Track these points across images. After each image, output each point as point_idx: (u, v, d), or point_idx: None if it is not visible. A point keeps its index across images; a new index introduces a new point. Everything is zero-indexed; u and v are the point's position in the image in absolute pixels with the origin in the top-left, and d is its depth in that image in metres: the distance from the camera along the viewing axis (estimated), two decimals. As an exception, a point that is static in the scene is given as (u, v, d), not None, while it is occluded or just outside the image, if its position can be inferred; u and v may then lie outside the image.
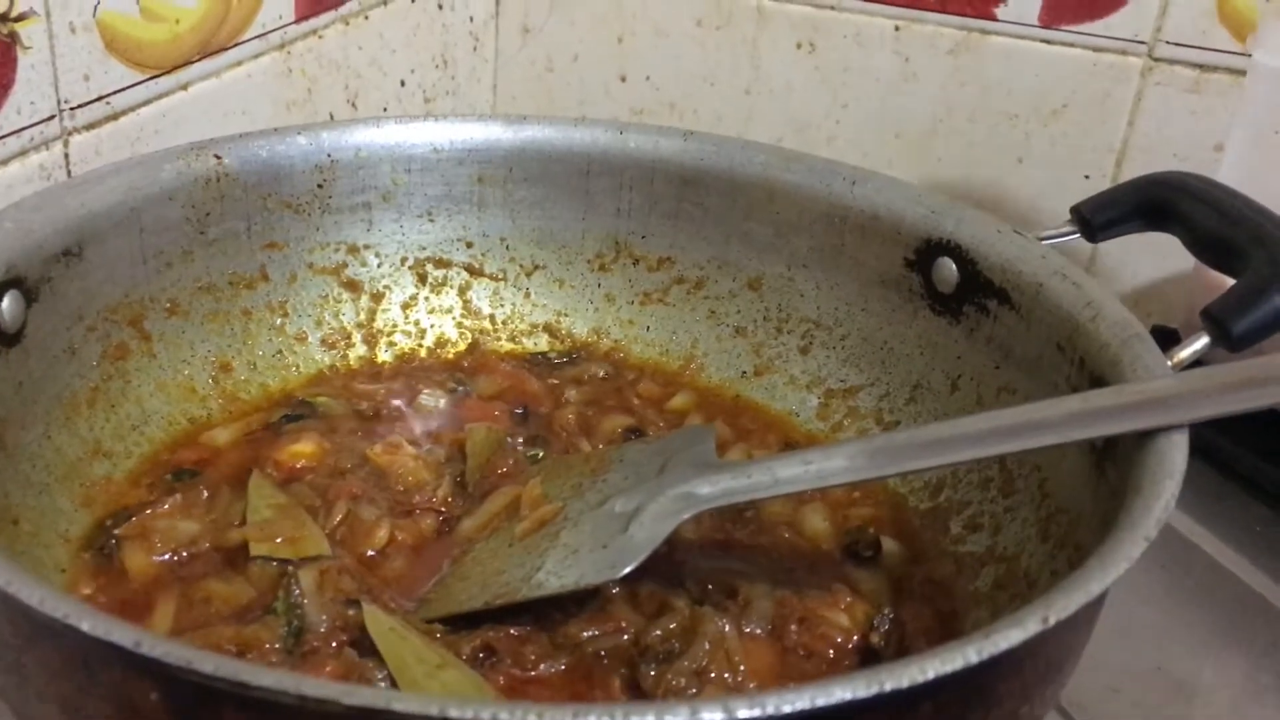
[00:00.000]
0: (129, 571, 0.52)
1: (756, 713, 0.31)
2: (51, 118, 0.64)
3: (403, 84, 0.95)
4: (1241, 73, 0.80)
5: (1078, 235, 0.60)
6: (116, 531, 0.54)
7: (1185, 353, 0.51)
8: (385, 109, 0.92)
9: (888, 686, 0.32)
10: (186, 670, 0.31)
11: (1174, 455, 0.44)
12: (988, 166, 0.89)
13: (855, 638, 0.52)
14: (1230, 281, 0.54)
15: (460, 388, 0.67)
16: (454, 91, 1.01)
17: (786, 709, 0.31)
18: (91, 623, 0.32)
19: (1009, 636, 0.34)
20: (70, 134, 0.66)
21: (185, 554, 0.53)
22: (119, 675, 0.33)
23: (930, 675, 0.33)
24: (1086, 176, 0.87)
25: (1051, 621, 0.35)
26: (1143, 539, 0.39)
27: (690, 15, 0.93)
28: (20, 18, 0.61)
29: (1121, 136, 0.86)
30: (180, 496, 0.56)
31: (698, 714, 0.31)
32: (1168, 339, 0.55)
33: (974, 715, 0.37)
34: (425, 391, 0.65)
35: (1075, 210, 0.61)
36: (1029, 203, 0.89)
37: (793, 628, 0.52)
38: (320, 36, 0.84)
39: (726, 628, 0.50)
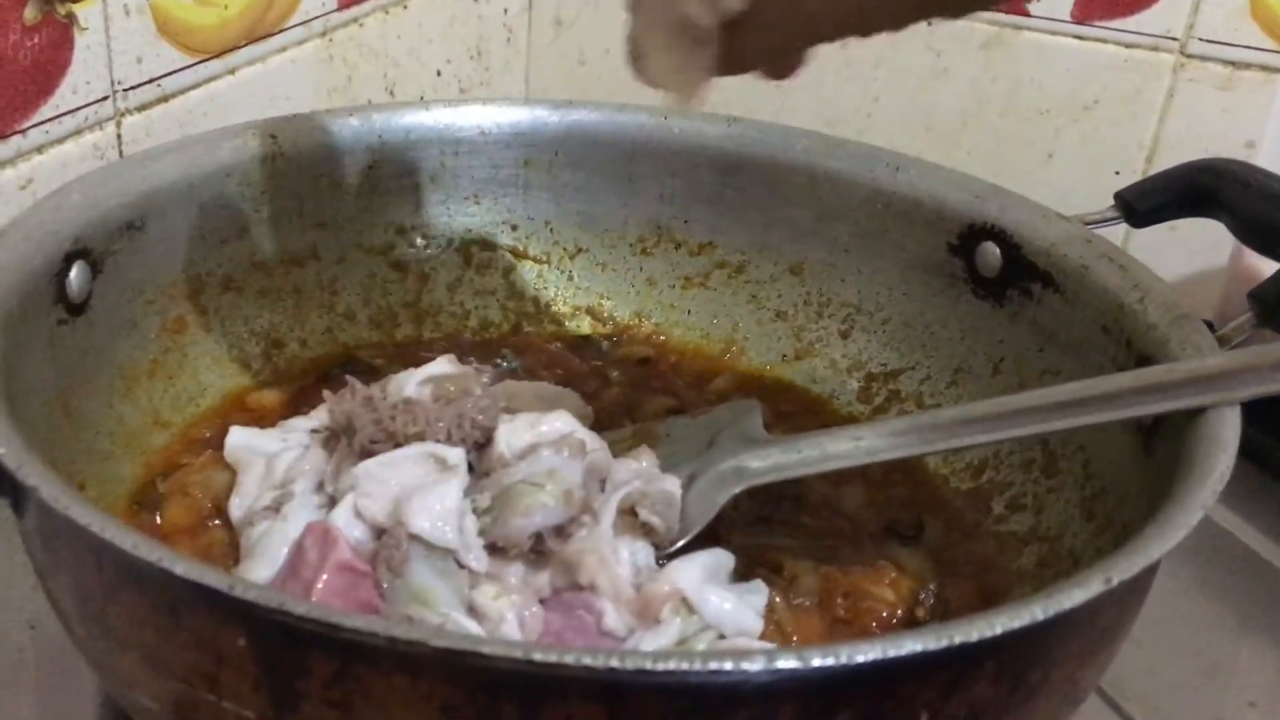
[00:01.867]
0: (166, 524, 0.53)
1: (830, 661, 0.32)
2: (105, 98, 0.65)
3: (439, 74, 0.96)
4: (1274, 70, 0.80)
5: (1121, 221, 0.61)
6: (160, 489, 0.55)
7: (1231, 334, 0.51)
8: (421, 97, 0.93)
9: (957, 640, 0.33)
10: (278, 612, 0.32)
11: (1226, 430, 0.44)
12: (1018, 161, 0.89)
13: (900, 612, 0.53)
14: (1271, 268, 0.55)
15: (505, 364, 0.68)
16: (487, 83, 1.02)
17: (860, 659, 0.32)
18: (185, 566, 0.33)
19: (1072, 595, 0.35)
20: (123, 115, 0.67)
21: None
22: (207, 620, 0.34)
23: (998, 630, 0.33)
24: (1117, 172, 0.87)
25: (1114, 582, 0.36)
26: (1199, 507, 0.39)
27: (724, 8, 0.93)
28: (78, -1, 0.62)
29: (1152, 133, 0.86)
30: (212, 452, 0.56)
31: (774, 662, 0.32)
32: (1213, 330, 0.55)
33: (1033, 675, 0.37)
34: (475, 365, 0.66)
35: (1119, 196, 0.61)
36: (1059, 198, 0.88)
37: (839, 600, 0.53)
38: (361, 25, 0.85)
39: (776, 598, 0.51)
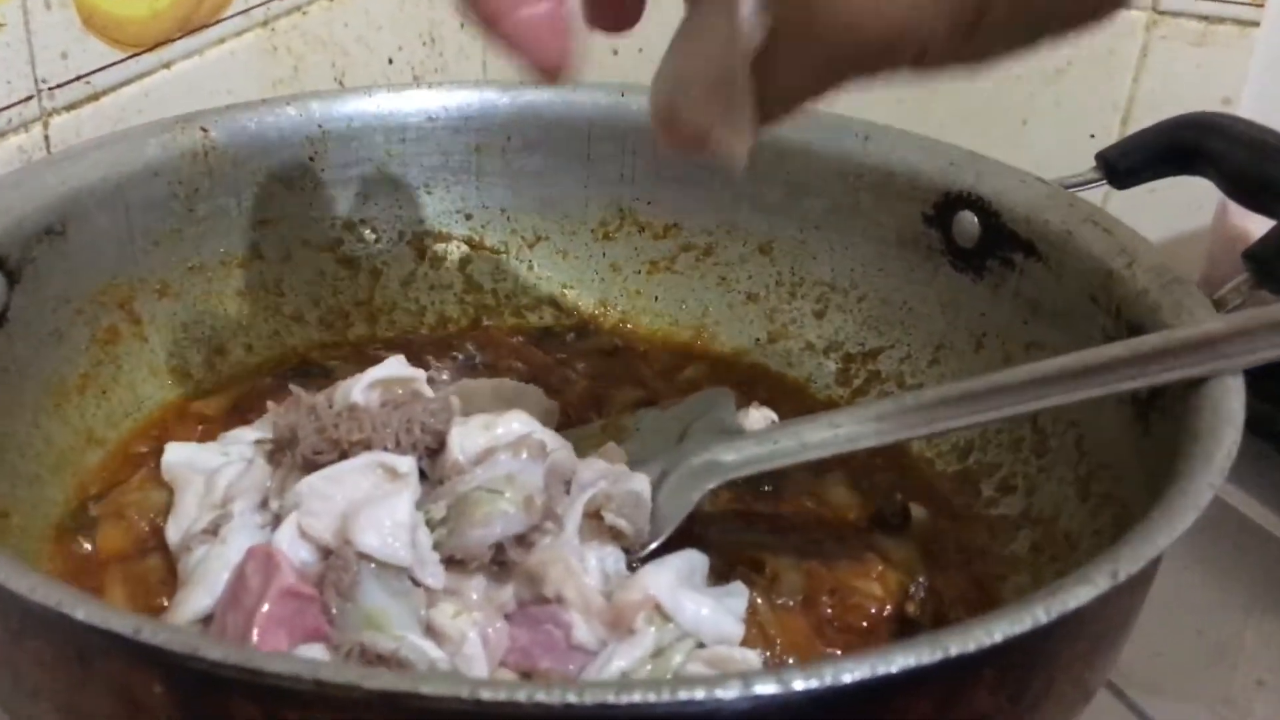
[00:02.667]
0: (102, 550, 0.50)
1: (814, 684, 0.29)
2: (29, 98, 0.62)
3: (390, 62, 0.93)
4: (1248, 23, 0.78)
5: (1103, 183, 0.58)
6: (93, 512, 0.52)
7: (1225, 297, 0.48)
8: (374, 86, 0.90)
9: (954, 651, 0.30)
10: (193, 658, 0.28)
11: (1230, 400, 0.41)
12: (992, 128, 0.87)
13: (889, 607, 0.50)
14: (1261, 226, 0.52)
15: (466, 361, 0.65)
16: (442, 69, 0.99)
17: (846, 679, 0.29)
18: (86, 610, 0.29)
19: (1078, 594, 0.32)
20: (50, 115, 0.63)
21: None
22: (118, 667, 0.31)
23: (998, 638, 0.30)
24: (1093, 135, 0.85)
25: (1122, 577, 0.32)
26: (1208, 487, 0.36)
27: (684, -19, 0.90)
28: (-8, -8, 0.58)
29: (1127, 93, 0.84)
30: (149, 468, 0.53)
31: (751, 687, 0.28)
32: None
33: (1037, 681, 0.34)
34: (434, 364, 0.63)
35: (1101, 156, 0.58)
36: (1035, 165, 0.86)
37: (824, 599, 0.50)
38: (304, 13, 0.82)
39: (758, 599, 0.48)
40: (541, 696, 0.27)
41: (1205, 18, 0.79)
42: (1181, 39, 0.81)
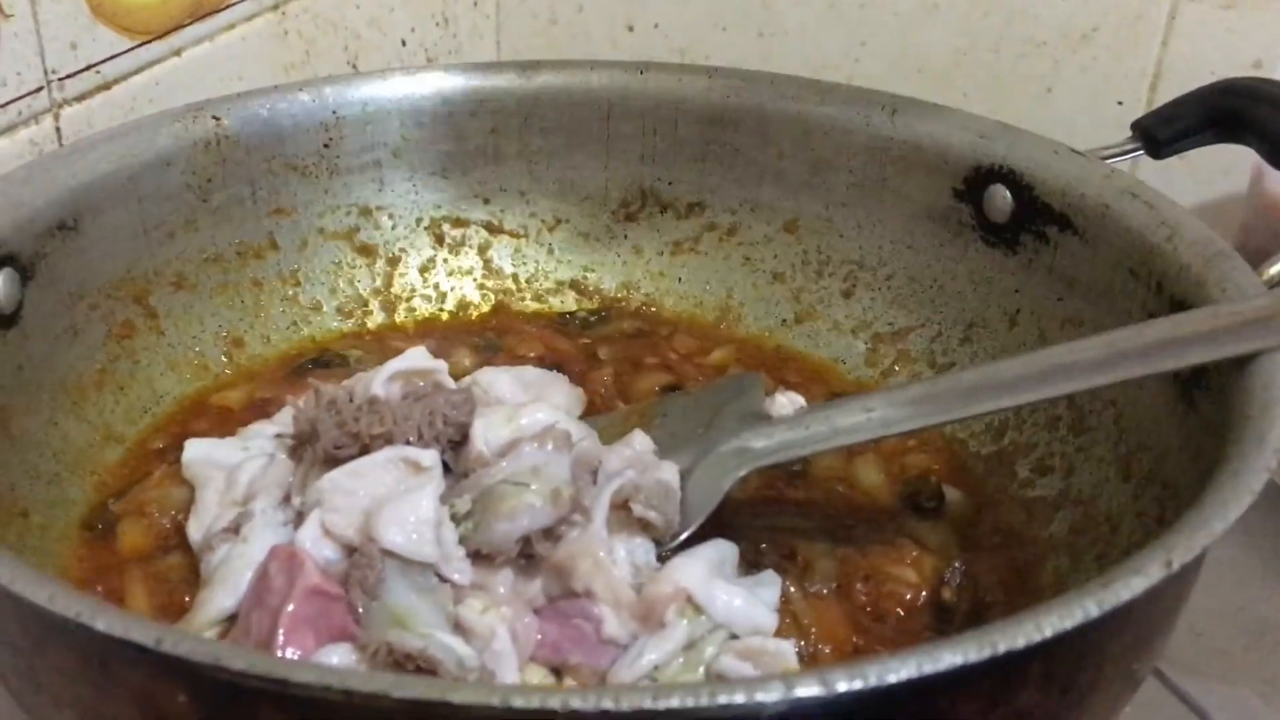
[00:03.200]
0: (123, 549, 0.49)
1: (858, 685, 0.28)
2: (40, 89, 0.61)
3: (404, 44, 0.92)
4: (1281, -17, 0.76)
5: (1141, 152, 0.57)
6: (114, 509, 0.51)
7: (1276, 269, 0.47)
8: (387, 70, 0.89)
9: (1001, 648, 0.29)
10: (214, 668, 0.27)
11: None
12: (1016, 98, 0.85)
13: (925, 593, 0.49)
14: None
15: (489, 348, 0.64)
16: (456, 50, 0.98)
17: (891, 679, 0.28)
18: (106, 620, 0.28)
19: (1131, 585, 0.31)
20: (60, 106, 0.63)
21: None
22: (141, 676, 0.30)
23: (1048, 633, 0.29)
24: (1120, 103, 0.83)
25: (1176, 566, 0.31)
26: (1264, 470, 0.35)
27: (699, -45, 0.89)
28: (-1, -18, 0.58)
29: (1155, 59, 0.82)
30: (169, 464, 0.53)
31: (793, 690, 0.27)
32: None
33: (1085, 675, 0.33)
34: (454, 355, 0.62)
35: (1138, 125, 0.57)
36: (1062, 134, 0.85)
37: (858, 586, 0.49)
38: (315, -5, 0.81)
39: (790, 588, 0.47)
40: (576, 703, 0.26)
41: (1235, -20, 0.78)
42: (1210, 2, 0.79)
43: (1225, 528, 0.33)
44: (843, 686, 0.28)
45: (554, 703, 0.26)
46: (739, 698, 0.27)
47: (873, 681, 0.28)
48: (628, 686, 0.35)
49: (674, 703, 0.27)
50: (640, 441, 0.50)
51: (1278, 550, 0.61)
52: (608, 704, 0.27)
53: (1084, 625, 0.30)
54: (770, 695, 0.27)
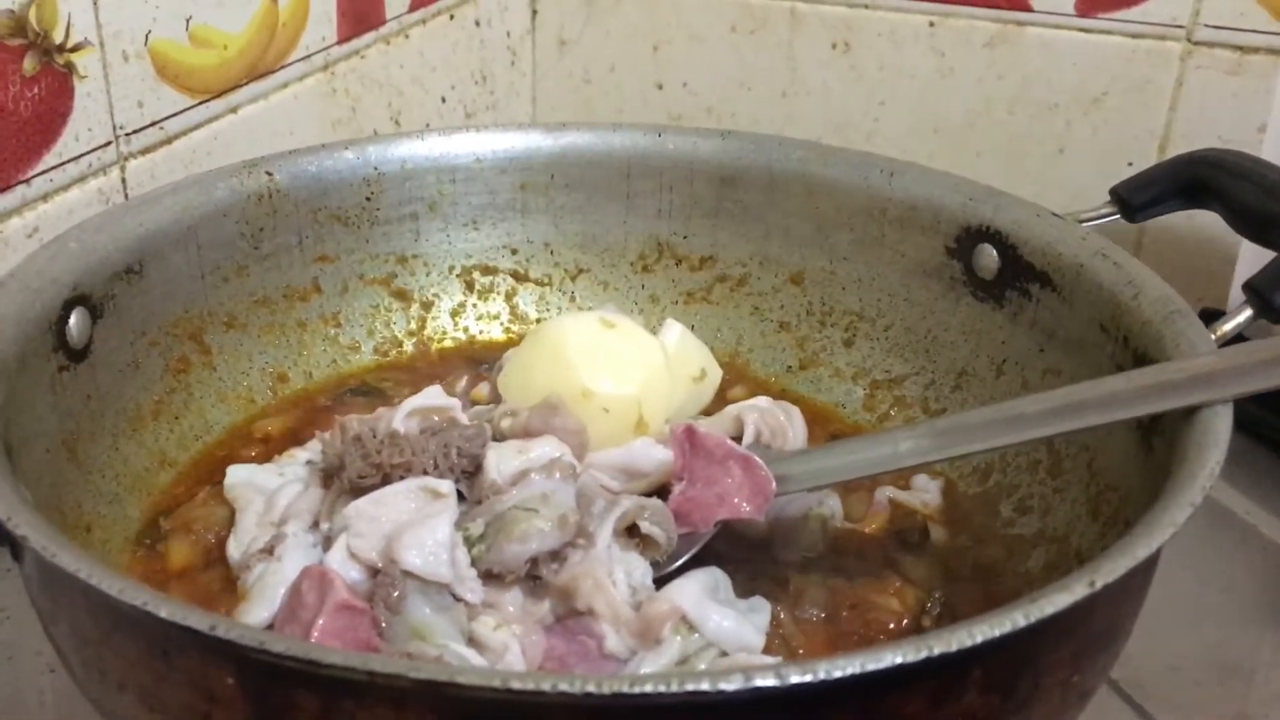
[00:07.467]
0: (171, 563, 0.54)
1: (809, 678, 0.32)
2: (108, 144, 0.66)
3: (444, 100, 0.96)
4: (1282, 53, 0.79)
5: (1118, 216, 0.61)
6: (164, 526, 0.56)
7: (1228, 326, 0.51)
8: (427, 125, 0.94)
9: (936, 651, 0.33)
10: (259, 651, 0.32)
11: (1218, 426, 0.44)
12: (1029, 158, 0.88)
13: (906, 621, 0.52)
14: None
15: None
16: (494, 106, 1.02)
17: (838, 674, 0.32)
18: (169, 609, 0.33)
19: (1055, 601, 0.35)
20: (127, 159, 0.67)
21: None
22: (195, 661, 0.35)
23: (979, 639, 0.33)
24: (1130, 163, 0.86)
25: (1098, 585, 0.35)
26: (1189, 505, 0.39)
27: (724, 21, 0.93)
28: (76, 48, 0.63)
29: (1164, 122, 0.85)
30: (214, 485, 0.57)
31: (751, 680, 0.32)
32: (1215, 320, 0.55)
33: (1023, 683, 0.37)
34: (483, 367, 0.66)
35: (1114, 191, 0.61)
36: (1073, 193, 0.88)
37: (845, 613, 0.53)
38: (362, 56, 0.86)
39: (781, 614, 0.51)
40: (564, 686, 0.31)
41: (1239, 48, 0.81)
42: (1216, 68, 0.82)
43: (1147, 555, 0.37)
44: (795, 679, 0.32)
45: (545, 685, 0.31)
46: (704, 685, 0.31)
47: (821, 675, 0.32)
48: (609, 675, 0.39)
49: (647, 688, 0.31)
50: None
51: (1256, 596, 0.64)
52: (590, 688, 0.31)
53: (1013, 634, 0.34)
54: (731, 684, 0.32)
